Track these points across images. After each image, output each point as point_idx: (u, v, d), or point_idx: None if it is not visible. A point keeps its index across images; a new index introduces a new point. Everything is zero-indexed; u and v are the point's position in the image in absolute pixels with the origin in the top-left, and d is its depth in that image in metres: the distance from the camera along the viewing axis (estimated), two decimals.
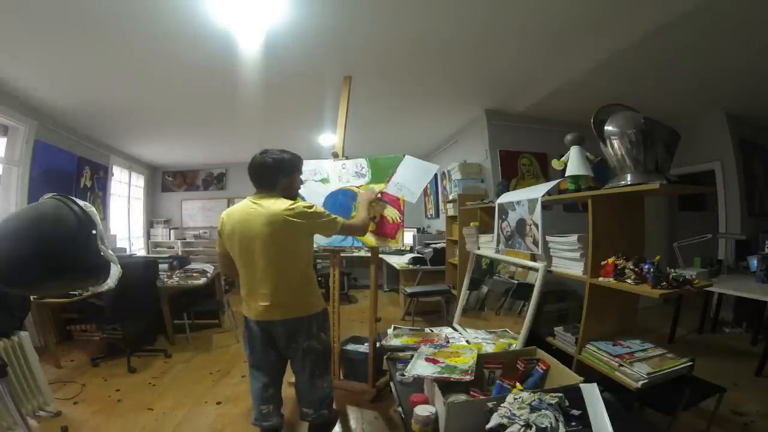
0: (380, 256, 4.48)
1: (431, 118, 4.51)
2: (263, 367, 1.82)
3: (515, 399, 1.11)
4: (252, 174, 1.72)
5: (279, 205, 1.62)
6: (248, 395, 2.17)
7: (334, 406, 1.96)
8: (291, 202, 1.66)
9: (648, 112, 1.59)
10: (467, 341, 2.05)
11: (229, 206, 8.13)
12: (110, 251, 1.39)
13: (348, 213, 2.43)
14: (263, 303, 1.65)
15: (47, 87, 3.26)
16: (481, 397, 1.27)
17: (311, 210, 1.66)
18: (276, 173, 1.70)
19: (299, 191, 1.96)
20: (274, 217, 1.59)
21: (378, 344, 2.21)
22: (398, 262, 4.76)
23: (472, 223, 2.89)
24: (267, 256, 1.62)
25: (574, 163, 1.85)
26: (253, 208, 1.65)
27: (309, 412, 1.84)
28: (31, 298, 2.47)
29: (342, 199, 2.47)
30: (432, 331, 2.21)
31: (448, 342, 1.84)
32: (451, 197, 4.37)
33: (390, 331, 2.18)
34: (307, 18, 2.26)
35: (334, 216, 1.74)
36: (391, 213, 2.34)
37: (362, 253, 4.65)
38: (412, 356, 1.80)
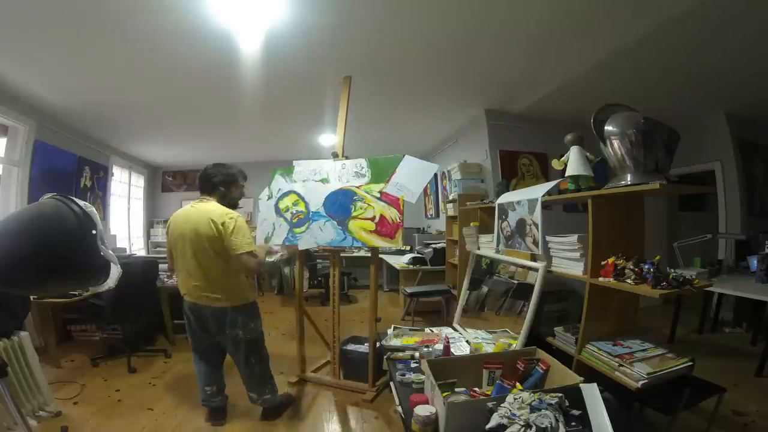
0: (380, 256, 4.48)
1: (431, 118, 4.51)
2: (202, 351, 2.08)
3: (515, 399, 1.11)
4: (198, 180, 2.12)
5: (210, 209, 1.93)
6: (248, 395, 2.18)
7: (278, 390, 2.20)
8: (222, 209, 1.94)
9: (648, 112, 1.59)
10: (467, 341, 2.05)
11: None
12: (110, 251, 1.38)
13: (347, 213, 2.44)
14: (191, 287, 1.96)
15: (47, 87, 3.26)
16: (481, 397, 1.27)
17: (231, 225, 1.87)
18: (215, 185, 2.05)
19: (240, 200, 2.23)
20: (203, 220, 1.89)
21: (378, 344, 2.21)
22: (398, 262, 4.76)
23: (472, 223, 2.89)
24: (193, 252, 1.92)
25: (574, 163, 1.85)
26: (191, 210, 1.98)
27: (254, 397, 2.12)
28: (31, 298, 2.47)
29: (342, 199, 2.47)
30: (432, 331, 2.21)
31: (448, 342, 1.84)
32: (451, 197, 4.37)
33: (390, 331, 2.18)
34: (307, 18, 2.26)
35: (246, 241, 1.88)
36: (390, 213, 2.34)
37: (362, 253, 4.66)
38: (412, 356, 1.81)
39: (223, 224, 1.85)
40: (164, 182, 6.99)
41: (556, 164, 1.97)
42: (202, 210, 1.94)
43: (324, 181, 2.56)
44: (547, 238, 1.90)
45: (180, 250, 1.97)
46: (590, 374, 1.49)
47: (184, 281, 1.99)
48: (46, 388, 2.24)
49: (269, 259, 2.48)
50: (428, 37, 2.56)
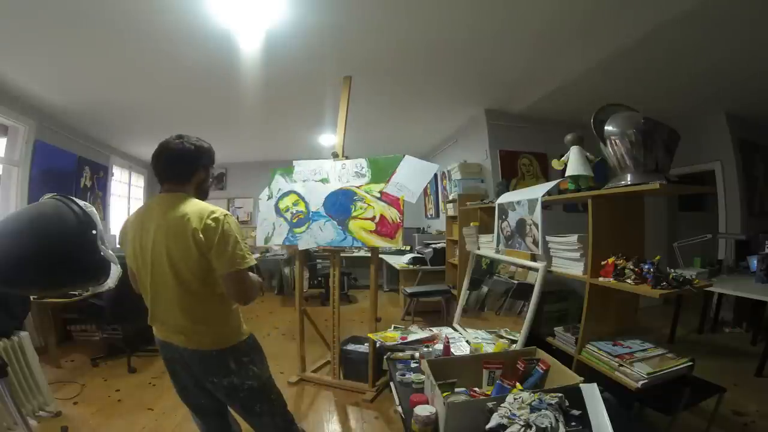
0: (380, 256, 4.48)
1: (431, 118, 4.51)
2: (192, 403, 1.43)
3: (515, 399, 1.11)
4: (164, 162, 1.29)
5: (185, 208, 1.21)
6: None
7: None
8: (203, 206, 1.23)
9: (648, 112, 1.59)
10: (467, 341, 2.05)
11: (229, 206, 8.04)
12: (110, 251, 1.38)
13: (347, 213, 2.44)
14: (158, 320, 1.31)
15: (47, 87, 3.26)
16: (481, 397, 1.27)
17: (219, 229, 1.17)
18: (195, 162, 1.32)
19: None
20: (175, 224, 1.19)
21: (378, 344, 2.21)
22: (398, 262, 4.76)
23: (472, 223, 2.89)
24: (160, 270, 1.22)
25: (574, 163, 1.85)
26: (155, 211, 1.26)
27: None
28: (31, 298, 2.47)
29: (342, 200, 2.47)
30: (432, 331, 2.21)
31: (448, 342, 1.84)
32: (451, 197, 4.37)
33: (390, 331, 2.18)
34: (307, 18, 2.26)
35: (240, 254, 1.19)
36: (390, 213, 2.34)
37: (362, 253, 4.66)
38: (412, 356, 1.81)
39: (205, 229, 1.16)
40: None
41: (556, 164, 1.97)
42: (173, 210, 1.21)
43: (324, 181, 2.56)
44: (547, 238, 1.90)
45: (142, 267, 1.28)
46: (590, 374, 1.49)
47: (151, 310, 1.32)
48: (46, 388, 2.24)
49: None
50: (428, 37, 2.56)
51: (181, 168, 1.30)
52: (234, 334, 1.31)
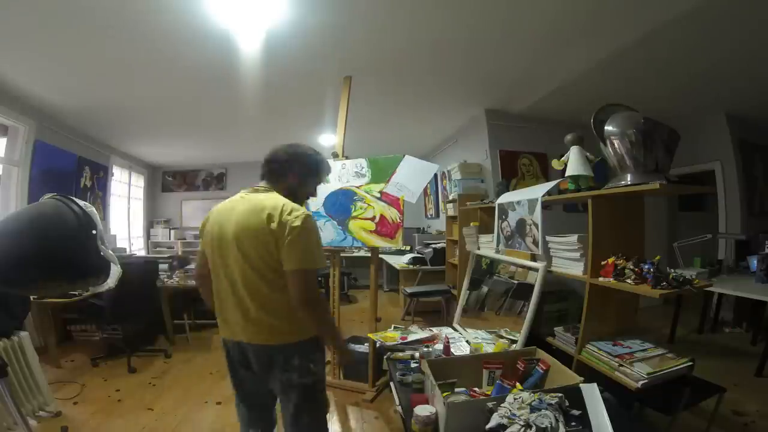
0: (380, 256, 4.48)
1: (431, 118, 4.51)
2: (244, 391, 1.49)
3: (515, 399, 1.11)
4: (264, 163, 1.41)
5: (270, 201, 1.26)
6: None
7: None
8: (285, 201, 1.28)
9: (648, 112, 1.59)
10: (467, 341, 2.05)
11: None
12: (110, 251, 1.38)
13: (347, 213, 2.44)
14: (232, 319, 1.33)
15: (47, 87, 3.26)
16: (481, 397, 1.27)
17: (296, 224, 1.20)
18: (288, 165, 1.39)
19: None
20: (254, 214, 1.24)
21: (378, 344, 2.21)
22: (398, 262, 4.76)
23: (472, 223, 2.89)
24: (238, 264, 1.26)
25: (574, 163, 1.85)
26: (239, 201, 1.32)
27: None
28: (31, 298, 2.47)
29: (342, 199, 2.47)
30: (432, 331, 2.21)
31: (448, 341, 1.83)
32: (451, 197, 4.37)
33: (390, 331, 2.18)
34: (307, 18, 2.26)
35: (312, 257, 1.22)
36: (390, 213, 2.34)
37: (362, 253, 4.65)
38: (412, 356, 1.81)
39: (281, 221, 1.20)
40: (164, 182, 6.99)
41: (556, 164, 1.97)
42: (255, 201, 1.29)
43: (324, 181, 2.56)
44: (547, 238, 1.90)
45: (218, 258, 1.32)
46: (590, 374, 1.49)
47: (221, 306, 1.36)
48: (46, 388, 2.24)
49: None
50: (428, 37, 2.56)
51: (271, 170, 1.40)
52: (301, 331, 1.32)
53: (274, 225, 1.20)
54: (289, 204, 1.26)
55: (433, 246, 4.60)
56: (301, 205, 1.33)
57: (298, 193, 1.43)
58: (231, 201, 1.37)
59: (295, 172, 1.41)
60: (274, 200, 1.27)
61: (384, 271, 5.97)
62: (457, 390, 1.34)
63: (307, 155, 1.44)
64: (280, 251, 1.21)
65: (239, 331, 1.31)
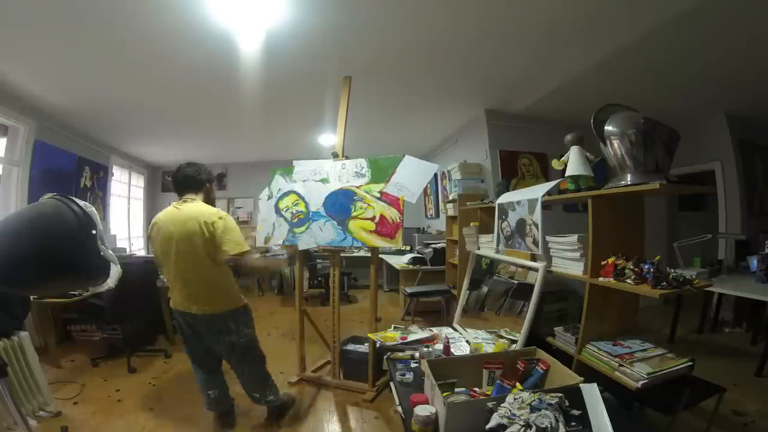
0: (380, 256, 4.48)
1: (431, 118, 4.51)
2: (198, 357, 2.00)
3: (515, 399, 1.11)
4: (179, 180, 1.97)
5: (198, 209, 1.83)
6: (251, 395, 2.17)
7: (280, 390, 2.19)
8: (211, 208, 1.86)
9: (648, 112, 1.59)
10: (467, 341, 2.05)
11: (229, 206, 8.05)
12: (110, 251, 1.38)
13: (347, 213, 2.44)
14: (180, 294, 1.86)
15: (47, 87, 3.26)
16: (481, 397, 1.27)
17: (221, 225, 1.78)
18: (202, 179, 1.99)
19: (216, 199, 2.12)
20: (192, 221, 1.78)
21: (378, 344, 2.21)
22: (398, 262, 4.76)
23: (472, 223, 2.89)
24: (182, 255, 1.80)
25: (574, 163, 1.85)
26: (176, 212, 1.85)
27: (257, 397, 2.08)
28: (31, 298, 2.47)
29: (342, 199, 2.47)
30: (432, 331, 2.21)
31: (448, 341, 1.84)
32: (451, 197, 4.37)
33: (390, 330, 2.18)
34: (307, 18, 2.26)
35: (239, 241, 1.79)
36: (390, 213, 2.34)
37: (362, 253, 4.65)
38: (411, 356, 1.81)
39: (213, 224, 1.76)
40: (164, 182, 6.99)
41: (556, 164, 1.97)
42: (189, 211, 1.83)
43: (324, 181, 2.56)
44: (547, 238, 1.90)
45: (167, 253, 1.84)
46: (590, 374, 1.49)
47: (173, 287, 1.90)
48: (46, 388, 2.24)
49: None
50: (428, 37, 2.56)
51: (189, 184, 1.96)
52: (233, 301, 1.89)
53: (209, 227, 1.76)
54: (213, 209, 1.85)
55: (433, 246, 4.60)
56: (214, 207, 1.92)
57: (212, 198, 2.03)
58: (170, 211, 1.88)
59: (207, 179, 2.01)
60: (201, 208, 1.85)
61: (384, 271, 5.97)
62: (457, 390, 1.34)
63: (205, 169, 2.03)
64: (216, 243, 1.76)
65: (189, 304, 1.84)
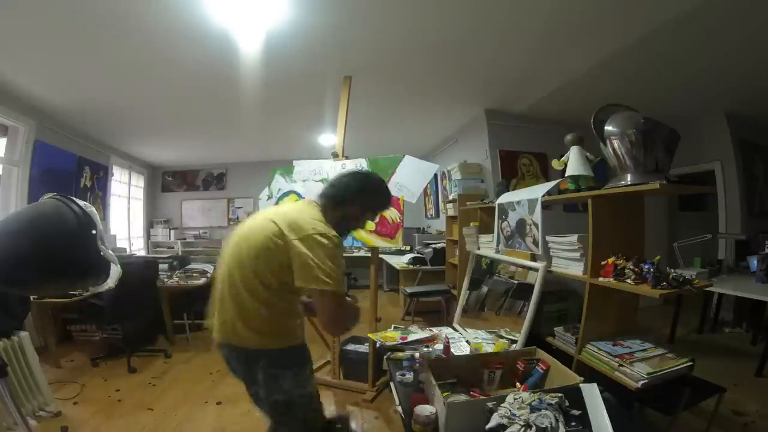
0: (380, 256, 4.48)
1: (431, 118, 4.51)
2: (252, 398, 1.37)
3: (515, 399, 1.11)
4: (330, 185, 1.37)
5: (291, 211, 1.25)
6: (248, 395, 2.16)
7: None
8: (314, 218, 1.22)
9: (648, 112, 1.59)
10: (467, 341, 2.05)
11: (229, 206, 7.99)
12: (110, 251, 1.38)
13: None
14: (221, 316, 1.29)
15: (47, 87, 3.26)
16: (481, 397, 1.27)
17: (316, 243, 1.13)
18: (344, 192, 1.32)
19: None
20: (263, 222, 1.22)
21: (378, 344, 2.21)
22: (398, 262, 4.76)
23: (472, 223, 2.89)
24: (229, 268, 1.25)
25: (574, 163, 1.85)
26: (264, 212, 1.32)
27: None
28: (31, 298, 2.47)
29: None
30: (432, 331, 2.21)
31: (448, 342, 1.83)
32: (451, 197, 4.37)
33: (390, 330, 2.18)
34: (307, 18, 2.26)
35: (333, 276, 1.12)
36: (390, 213, 2.34)
37: (362, 253, 4.66)
38: (411, 356, 1.81)
39: (300, 238, 1.14)
40: (164, 182, 6.99)
41: (556, 164, 1.97)
42: (278, 211, 1.29)
43: (324, 181, 2.56)
44: (547, 238, 1.90)
45: (221, 262, 1.32)
46: (590, 374, 1.49)
47: (211, 308, 1.35)
48: (46, 388, 2.24)
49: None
50: (428, 37, 2.56)
51: (326, 188, 1.35)
52: (281, 340, 1.26)
53: (286, 237, 1.15)
54: (317, 222, 1.20)
55: (433, 246, 4.60)
56: (344, 235, 1.30)
57: (341, 222, 1.31)
58: (269, 209, 1.39)
59: (354, 197, 1.33)
60: (300, 211, 1.25)
61: (384, 271, 5.96)
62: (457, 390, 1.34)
63: (372, 187, 1.38)
64: (292, 264, 1.14)
65: (225, 333, 1.27)
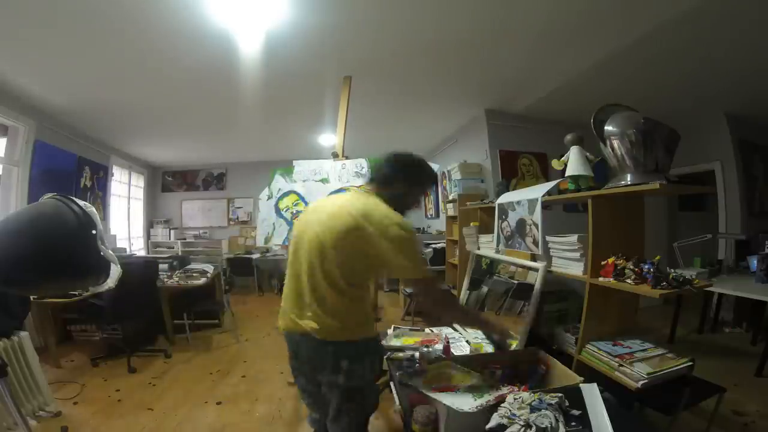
0: None
1: (431, 118, 4.51)
2: (303, 389, 1.47)
3: (515, 399, 1.11)
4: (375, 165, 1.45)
5: (364, 203, 1.27)
6: (248, 395, 2.17)
7: None
8: (387, 208, 1.26)
9: (648, 112, 1.59)
10: (467, 341, 2.05)
11: (229, 206, 8.02)
12: (110, 251, 1.38)
13: None
14: (292, 313, 1.33)
15: (47, 87, 3.26)
16: None
17: (397, 234, 1.19)
18: (398, 173, 1.37)
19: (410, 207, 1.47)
20: (343, 213, 1.24)
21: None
22: None
23: (472, 223, 2.89)
24: (309, 258, 1.27)
25: (574, 163, 1.85)
26: (330, 200, 1.40)
27: None
28: (31, 298, 2.47)
29: None
30: (432, 331, 2.21)
31: (448, 342, 1.83)
32: (451, 197, 4.37)
33: (390, 331, 2.18)
34: (307, 18, 2.26)
35: (422, 266, 1.26)
36: None
37: None
38: (412, 356, 1.81)
39: (381, 231, 1.19)
40: (164, 182, 6.99)
41: (556, 164, 1.97)
42: (349, 201, 1.29)
43: (324, 181, 2.56)
44: (547, 238, 1.90)
45: (294, 252, 1.35)
46: (590, 374, 1.49)
47: (284, 299, 1.39)
48: (46, 388, 2.24)
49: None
50: (428, 38, 2.56)
51: (378, 174, 1.40)
52: (359, 331, 1.31)
53: (372, 229, 1.19)
54: (391, 211, 1.25)
55: (433, 246, 4.60)
56: (402, 215, 1.30)
57: (401, 203, 1.37)
58: (326, 198, 1.48)
59: (408, 177, 1.39)
60: (372, 203, 1.28)
61: None
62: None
63: (419, 164, 1.43)
64: (381, 256, 1.19)
65: (295, 323, 1.31)
